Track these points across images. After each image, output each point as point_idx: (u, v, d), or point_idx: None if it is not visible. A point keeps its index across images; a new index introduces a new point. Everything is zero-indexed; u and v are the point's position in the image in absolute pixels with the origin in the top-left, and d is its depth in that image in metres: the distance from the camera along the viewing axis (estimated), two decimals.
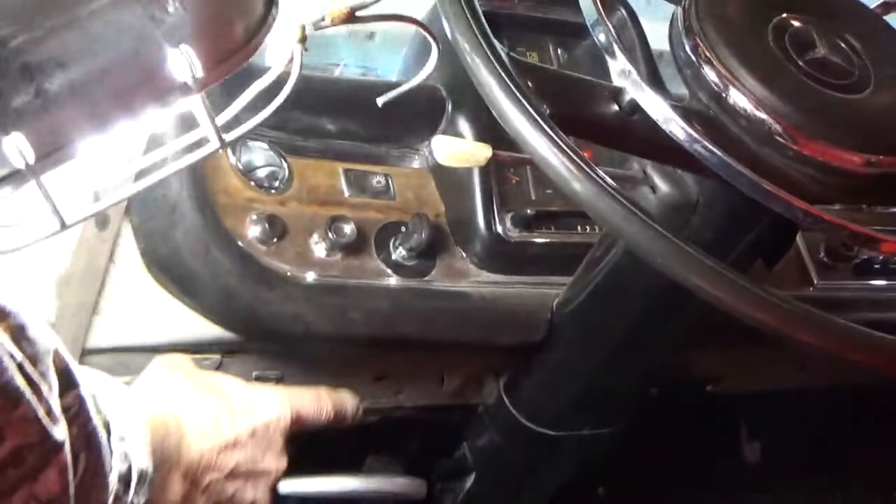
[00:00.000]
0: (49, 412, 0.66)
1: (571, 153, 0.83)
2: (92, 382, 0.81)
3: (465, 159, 1.04)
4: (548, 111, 0.88)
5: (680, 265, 0.83)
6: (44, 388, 0.67)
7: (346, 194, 1.32)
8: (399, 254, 1.31)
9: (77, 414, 0.73)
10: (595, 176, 0.83)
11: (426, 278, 1.32)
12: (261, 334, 1.23)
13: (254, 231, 1.23)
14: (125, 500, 0.86)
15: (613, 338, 1.34)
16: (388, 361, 1.42)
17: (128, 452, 0.87)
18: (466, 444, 1.57)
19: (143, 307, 1.18)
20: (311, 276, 1.24)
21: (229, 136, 0.67)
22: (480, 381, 1.49)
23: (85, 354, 1.18)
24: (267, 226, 1.22)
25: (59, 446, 0.67)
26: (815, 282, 1.54)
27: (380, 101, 0.93)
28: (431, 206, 1.37)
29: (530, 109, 0.85)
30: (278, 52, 0.71)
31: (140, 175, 0.70)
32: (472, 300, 1.34)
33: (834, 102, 0.99)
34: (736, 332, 1.47)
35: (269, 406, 1.16)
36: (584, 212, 1.33)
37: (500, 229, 1.34)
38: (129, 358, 1.23)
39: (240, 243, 1.20)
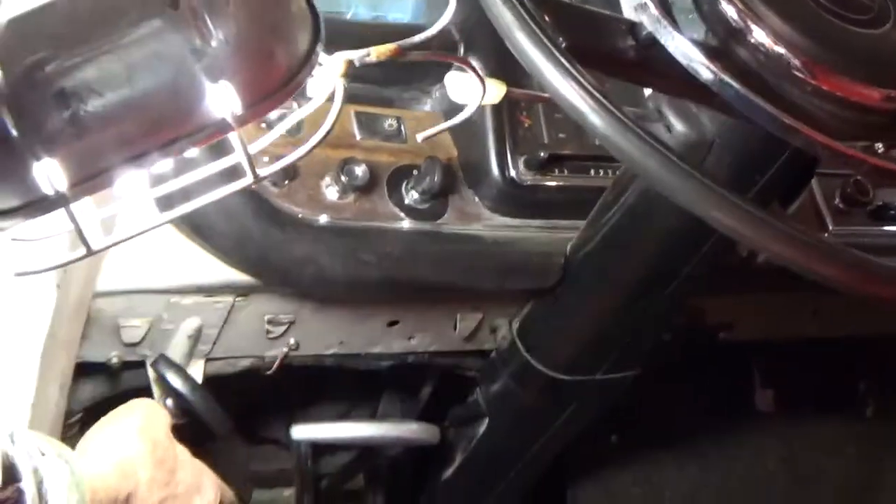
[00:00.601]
0: None
1: (589, 86, 0.82)
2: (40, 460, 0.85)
3: (479, 96, 1.02)
4: (564, 44, 0.87)
5: (700, 199, 0.81)
6: None
7: (358, 137, 1.31)
8: (411, 197, 1.30)
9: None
10: (614, 109, 0.81)
11: (438, 221, 1.31)
12: (273, 276, 1.23)
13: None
14: None
15: (627, 282, 1.33)
16: (401, 306, 1.42)
17: None
18: (479, 390, 1.57)
19: (155, 248, 1.17)
20: (323, 219, 1.24)
21: (264, 172, 0.65)
22: (493, 327, 1.48)
23: (96, 297, 1.18)
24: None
25: None
26: (830, 227, 1.53)
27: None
28: (443, 149, 1.35)
29: (547, 43, 0.83)
30: (320, 85, 0.69)
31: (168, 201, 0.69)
32: (485, 243, 1.33)
33: (853, 37, 0.97)
34: (749, 278, 1.48)
35: (208, 489, 1.15)
36: (598, 155, 1.36)
37: (512, 173, 1.33)
38: (140, 300, 1.23)
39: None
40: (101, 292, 1.18)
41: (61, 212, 0.58)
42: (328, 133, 0.68)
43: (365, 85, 1.34)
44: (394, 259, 1.25)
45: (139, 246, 1.16)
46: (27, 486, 0.79)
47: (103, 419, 1.14)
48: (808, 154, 0.96)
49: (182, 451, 1.14)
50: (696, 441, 2.09)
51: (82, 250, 0.62)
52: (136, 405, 1.19)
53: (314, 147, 0.68)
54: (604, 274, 1.33)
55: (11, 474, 0.76)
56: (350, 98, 1.31)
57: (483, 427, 1.58)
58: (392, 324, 1.43)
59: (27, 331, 1.11)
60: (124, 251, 1.15)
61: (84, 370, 1.29)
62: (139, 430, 1.10)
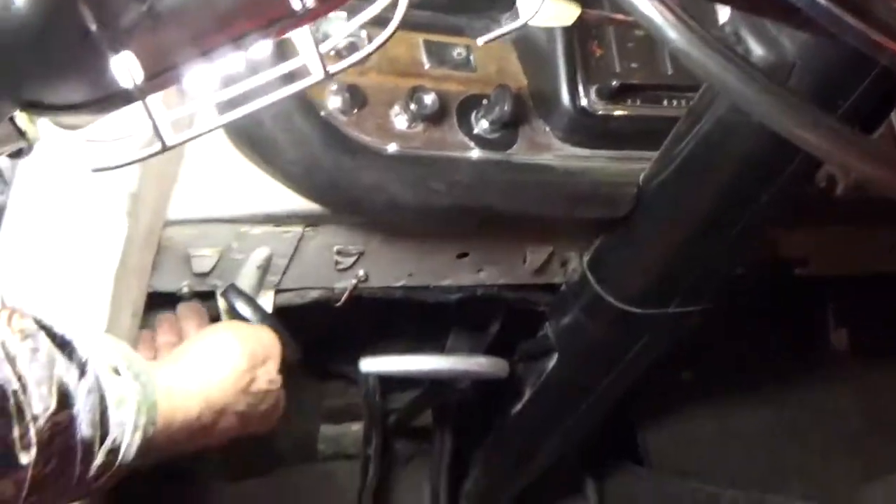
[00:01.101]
0: (23, 436, 0.73)
1: (670, 3, 0.79)
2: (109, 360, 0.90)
3: (553, 17, 1.00)
4: None
5: (786, 115, 0.78)
6: (28, 414, 0.73)
7: (427, 66, 1.29)
8: (481, 126, 1.28)
9: (65, 429, 0.80)
10: (696, 27, 0.78)
11: (508, 151, 1.29)
12: (343, 205, 1.22)
13: (334, 101, 1.21)
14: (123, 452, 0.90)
15: (700, 212, 1.30)
16: (470, 238, 1.40)
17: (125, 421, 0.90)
18: (549, 324, 1.56)
19: (225, 178, 1.17)
20: (392, 147, 1.22)
21: (334, 68, 0.64)
22: (563, 259, 1.47)
23: (166, 226, 1.18)
24: (347, 96, 1.20)
25: (20, 467, 0.74)
26: None
27: None
28: (513, 78, 1.33)
29: None
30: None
31: (236, 101, 0.68)
32: (556, 173, 1.31)
33: None
34: (826, 211, 1.44)
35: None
36: (670, 84, 1.33)
37: (584, 102, 1.30)
38: (210, 229, 1.23)
39: (321, 112, 1.18)
40: (172, 221, 1.18)
41: (135, 109, 0.58)
42: (394, 33, 0.66)
43: (434, 13, 1.32)
44: (464, 187, 1.23)
45: (209, 175, 1.16)
46: (83, 410, 0.81)
47: (194, 336, 1.17)
48: (893, 79, 0.92)
49: (266, 374, 1.16)
50: (769, 379, 2.06)
51: (157, 146, 0.61)
52: (227, 324, 1.21)
53: (381, 46, 0.66)
54: (677, 204, 1.31)
55: (66, 399, 0.79)
56: (418, 26, 1.31)
57: (552, 362, 1.58)
58: (461, 256, 1.42)
59: (99, 259, 1.12)
60: (194, 180, 1.16)
61: (155, 300, 1.30)
62: (230, 345, 1.13)
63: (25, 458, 0.74)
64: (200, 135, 0.65)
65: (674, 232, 1.34)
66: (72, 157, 1.03)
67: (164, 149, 0.61)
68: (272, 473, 1.95)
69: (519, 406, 1.68)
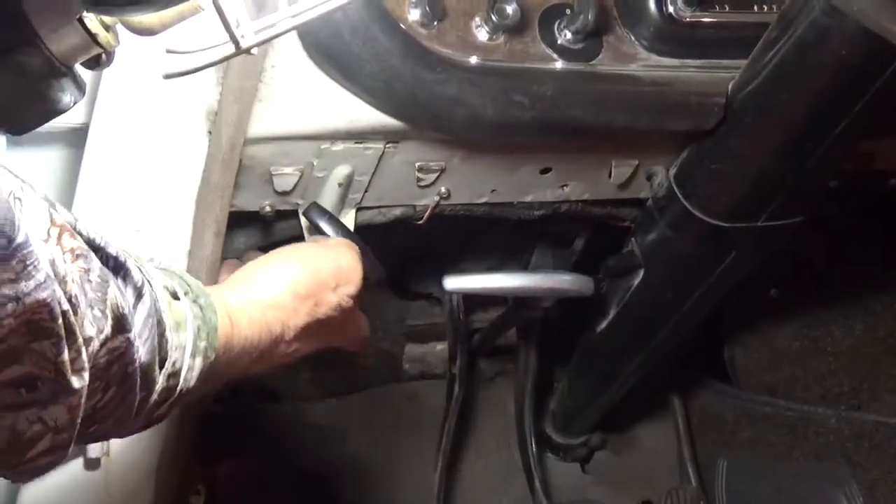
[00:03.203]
0: (74, 360, 0.69)
1: None
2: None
3: None
4: None
5: (885, 13, 0.74)
6: (79, 336, 0.69)
7: None
8: (564, 37, 1.24)
9: (122, 355, 0.77)
10: None
11: (593, 62, 1.26)
12: (423, 119, 1.20)
13: (414, 14, 1.18)
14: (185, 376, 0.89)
15: (792, 121, 1.26)
16: (554, 153, 1.37)
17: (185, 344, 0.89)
18: (635, 240, 1.52)
19: (305, 94, 1.15)
20: (473, 59, 1.20)
21: None
22: (650, 173, 1.43)
23: (247, 144, 1.17)
24: (427, 8, 1.18)
25: (72, 391, 0.70)
26: None
27: None
28: None
29: None
30: None
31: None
32: (642, 84, 1.27)
33: None
34: None
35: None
36: None
37: (671, 9, 1.26)
38: (291, 147, 1.22)
39: (401, 25, 1.15)
40: (253, 139, 1.16)
41: (210, 21, 0.56)
42: None
43: None
44: (547, 100, 1.20)
45: (289, 91, 1.14)
46: (141, 335, 0.79)
47: (259, 259, 1.16)
48: None
49: (335, 297, 1.15)
50: (861, 295, 2.00)
51: (231, 47, 0.59)
52: (295, 247, 1.20)
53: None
54: (767, 113, 1.26)
55: (121, 323, 0.76)
56: None
57: (638, 279, 1.55)
58: (545, 171, 1.39)
59: (181, 178, 1.12)
60: (275, 96, 1.14)
61: (237, 219, 1.30)
62: (290, 269, 1.12)
63: (78, 382, 0.70)
64: (276, 36, 0.63)
65: (764, 143, 1.29)
66: (150, 69, 1.02)
67: (238, 51, 0.59)
68: (360, 393, 1.96)
69: (604, 324, 1.66)
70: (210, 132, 1.10)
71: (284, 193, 1.29)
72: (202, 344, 0.90)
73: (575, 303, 1.60)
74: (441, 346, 1.96)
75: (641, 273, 1.54)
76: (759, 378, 1.99)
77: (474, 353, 1.96)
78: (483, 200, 1.42)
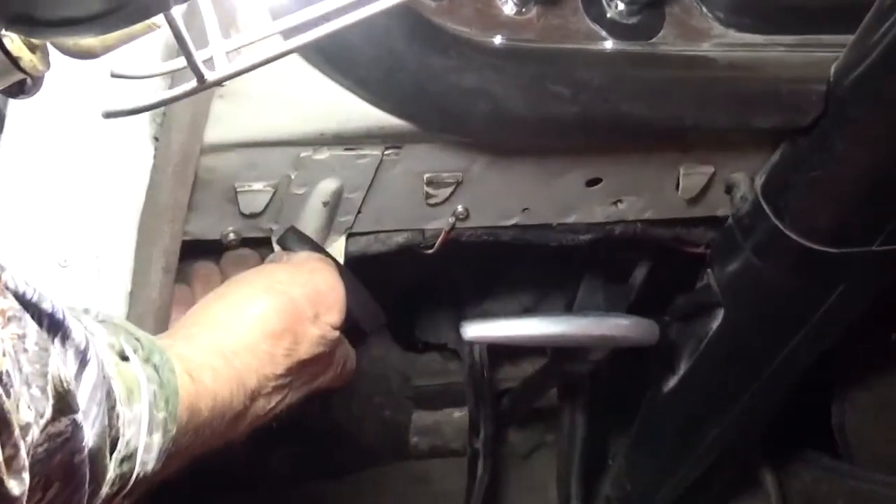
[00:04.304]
0: (12, 459, 0.68)
1: None
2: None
3: None
4: None
5: None
6: (15, 426, 0.68)
7: None
8: (615, 8, 1.26)
9: (67, 441, 0.76)
10: None
11: (653, 41, 1.27)
12: (433, 118, 1.21)
13: None
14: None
15: None
16: (604, 158, 1.39)
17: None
18: (711, 272, 1.53)
19: (280, 86, 1.16)
20: (498, 39, 1.21)
21: None
22: (729, 184, 1.44)
23: (205, 153, 1.18)
24: None
25: (10, 500, 0.69)
26: None
27: None
28: None
29: None
30: None
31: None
32: (717, 68, 1.28)
33: None
34: None
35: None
36: None
37: None
38: (261, 156, 1.24)
39: None
40: (212, 146, 1.18)
41: (167, 37, 0.57)
42: None
43: None
44: (593, 90, 1.22)
45: (259, 84, 1.16)
46: (88, 413, 0.79)
47: (215, 293, 1.17)
48: None
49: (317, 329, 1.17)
50: None
51: (192, 83, 0.60)
52: (258, 272, 1.22)
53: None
54: (882, 104, 1.27)
55: (65, 401, 0.76)
56: None
57: (717, 322, 1.56)
58: (592, 183, 1.41)
59: (119, 197, 1.12)
60: (241, 91, 1.16)
61: (192, 250, 1.31)
62: (258, 302, 1.14)
63: (18, 487, 0.68)
64: (252, 68, 0.65)
65: (878, 143, 1.30)
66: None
67: (202, 85, 0.60)
68: (353, 474, 1.97)
69: (674, 381, 1.66)
70: (156, 138, 1.11)
71: (253, 216, 1.31)
72: (161, 415, 0.91)
73: (634, 354, 1.61)
74: (459, 413, 1.97)
75: (721, 314, 1.55)
76: (876, 451, 1.99)
77: (503, 421, 1.97)
78: (512, 222, 1.44)
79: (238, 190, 1.27)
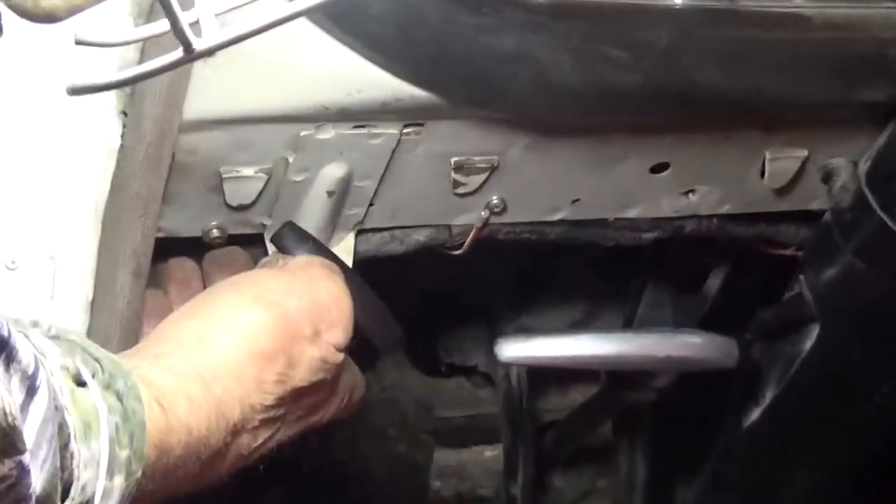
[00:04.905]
0: None
1: None
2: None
3: None
4: None
5: None
6: None
7: None
8: None
9: (11, 489, 0.77)
10: None
11: None
12: (462, 88, 1.22)
13: None
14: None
15: None
16: (672, 139, 1.39)
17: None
18: (804, 278, 1.53)
19: (274, 50, 1.16)
20: None
21: None
22: (827, 169, 1.44)
23: (183, 132, 1.19)
24: None
25: None
26: None
27: None
28: None
29: None
30: None
31: None
32: (812, 27, 1.28)
33: None
34: None
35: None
36: None
37: None
38: (252, 134, 1.24)
39: None
40: (193, 122, 1.18)
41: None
42: None
43: None
44: (660, 54, 1.21)
45: (248, 48, 1.16)
46: (37, 453, 0.79)
47: (198, 297, 1.17)
48: None
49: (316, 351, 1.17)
50: None
51: (177, 52, 0.61)
52: (248, 277, 1.22)
53: None
54: None
55: (10, 440, 0.76)
56: None
57: (811, 340, 1.55)
58: (658, 169, 1.41)
59: (80, 185, 1.13)
60: (228, 57, 1.16)
61: (169, 249, 1.31)
62: (247, 316, 1.14)
63: None
64: (244, 37, 0.65)
65: None
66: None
67: (189, 56, 0.61)
68: None
69: (757, 413, 1.66)
70: (125, 112, 1.11)
71: (242, 208, 1.32)
72: (123, 453, 0.90)
73: (709, 378, 1.61)
74: (491, 452, 1.98)
75: (816, 330, 1.54)
76: None
77: (545, 462, 1.97)
78: (559, 217, 1.44)
79: (224, 176, 1.27)
